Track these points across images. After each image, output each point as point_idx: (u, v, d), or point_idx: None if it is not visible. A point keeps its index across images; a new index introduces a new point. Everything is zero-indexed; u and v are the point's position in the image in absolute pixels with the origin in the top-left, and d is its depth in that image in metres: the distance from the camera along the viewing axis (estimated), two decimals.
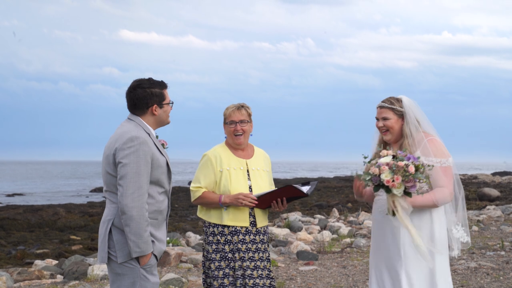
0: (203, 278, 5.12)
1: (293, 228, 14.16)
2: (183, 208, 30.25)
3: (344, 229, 13.92)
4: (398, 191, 4.14)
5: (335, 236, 13.41)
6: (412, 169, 4.10)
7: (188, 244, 12.21)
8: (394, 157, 4.18)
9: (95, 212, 24.50)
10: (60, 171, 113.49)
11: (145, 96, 3.96)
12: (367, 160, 4.30)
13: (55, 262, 10.90)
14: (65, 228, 20.03)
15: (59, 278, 9.25)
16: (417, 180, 4.14)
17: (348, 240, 12.43)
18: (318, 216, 17.66)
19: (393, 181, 4.09)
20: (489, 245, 11.63)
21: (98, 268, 9.14)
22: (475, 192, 33.60)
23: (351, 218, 16.73)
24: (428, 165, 4.25)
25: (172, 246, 11.21)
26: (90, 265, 9.50)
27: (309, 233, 13.59)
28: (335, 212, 18.32)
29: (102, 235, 3.93)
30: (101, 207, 30.06)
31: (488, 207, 21.46)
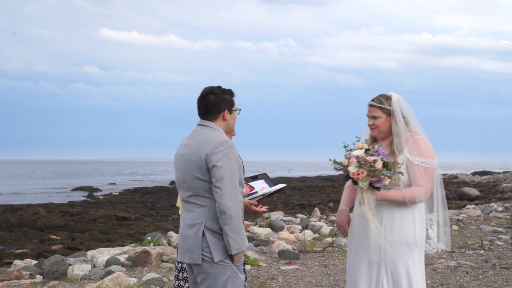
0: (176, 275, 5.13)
1: (275, 228, 14.16)
2: (164, 208, 30.14)
3: (326, 229, 13.95)
4: (363, 184, 4.29)
5: (316, 235, 13.44)
6: (379, 165, 4.22)
7: (169, 243, 12.16)
8: (367, 151, 4.29)
9: (75, 212, 24.32)
10: (40, 171, 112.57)
11: (218, 102, 4.21)
12: (348, 148, 4.43)
13: (34, 262, 10.81)
14: (45, 228, 19.87)
15: (39, 278, 9.18)
16: (383, 176, 4.24)
17: (329, 239, 12.46)
18: (300, 215, 17.68)
19: (358, 174, 4.24)
20: (468, 244, 11.72)
21: (78, 268, 9.09)
22: (455, 191, 33.86)
23: (333, 218, 16.76)
24: (399, 164, 4.32)
25: (154, 245, 11.17)
26: (70, 265, 9.43)
27: (291, 233, 13.59)
28: (317, 211, 18.35)
29: (193, 237, 4.10)
30: (82, 206, 29.83)
31: (467, 206, 21.62)
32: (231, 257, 4.11)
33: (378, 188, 4.32)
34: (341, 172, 4.36)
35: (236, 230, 4.02)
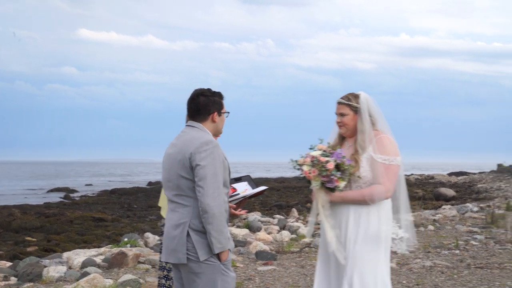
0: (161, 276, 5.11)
1: (252, 228, 14.16)
2: (141, 209, 29.98)
3: (303, 229, 13.98)
4: (315, 184, 4.41)
5: (294, 236, 13.46)
6: (331, 165, 4.33)
7: (146, 244, 12.10)
8: (324, 152, 4.41)
9: (51, 213, 24.10)
10: (16, 172, 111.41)
11: (207, 104, 4.27)
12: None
13: (9, 264, 10.68)
14: (20, 229, 19.65)
15: (13, 280, 9.07)
16: (334, 177, 4.33)
17: (307, 240, 12.49)
18: (278, 216, 17.70)
19: (310, 173, 4.37)
20: (444, 244, 11.82)
21: (53, 269, 9.01)
22: (432, 192, 34.13)
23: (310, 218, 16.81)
24: (352, 165, 4.39)
25: (130, 247, 11.11)
26: (45, 266, 9.34)
27: (268, 233, 13.60)
28: (294, 212, 18.39)
29: (178, 237, 4.13)
30: (58, 207, 29.56)
31: (444, 206, 21.81)
32: (217, 256, 4.14)
33: (332, 190, 4.42)
34: (299, 172, 4.48)
35: (219, 229, 4.05)
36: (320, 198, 4.48)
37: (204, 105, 4.26)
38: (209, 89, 4.33)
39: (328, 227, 4.51)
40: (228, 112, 4.41)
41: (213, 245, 4.06)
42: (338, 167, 4.37)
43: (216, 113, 4.30)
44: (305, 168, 4.41)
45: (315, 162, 4.38)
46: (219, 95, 4.34)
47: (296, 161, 4.49)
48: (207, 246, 4.10)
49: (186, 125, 4.33)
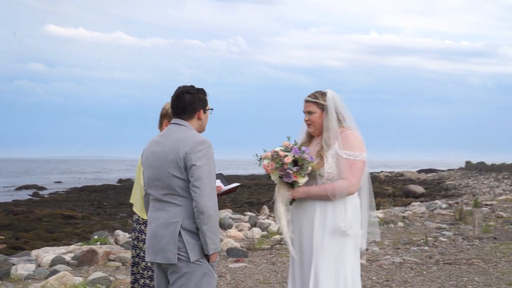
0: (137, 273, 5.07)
1: (224, 226, 14.15)
2: (112, 206, 29.79)
3: (274, 226, 14.01)
4: (274, 177, 4.50)
5: (265, 233, 13.49)
6: (288, 160, 4.40)
7: (116, 242, 12.02)
8: (287, 148, 4.48)
9: (20, 211, 23.83)
10: None
11: (193, 101, 4.21)
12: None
13: None
14: None
15: None
16: (291, 172, 4.40)
17: (277, 237, 12.52)
18: (249, 213, 17.72)
19: (268, 166, 4.46)
20: (413, 240, 11.95)
21: (22, 267, 8.90)
22: (401, 189, 34.48)
23: None
24: (310, 161, 4.43)
25: (100, 244, 11.03)
26: (13, 264, 9.22)
27: (239, 230, 13.61)
28: (265, 209, 18.42)
29: (168, 237, 4.06)
30: (27, 205, 29.21)
31: (413, 203, 22.07)
32: (206, 257, 4.11)
33: (292, 185, 4.47)
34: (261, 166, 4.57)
35: (214, 230, 4.02)
36: (281, 194, 4.52)
37: (190, 103, 4.20)
38: (193, 86, 4.27)
39: (284, 222, 4.55)
40: (212, 109, 4.37)
41: (207, 246, 4.02)
42: (296, 162, 4.42)
43: (201, 110, 4.25)
44: (264, 161, 4.49)
45: (274, 156, 4.45)
46: (203, 92, 4.29)
47: (259, 156, 4.56)
48: (198, 247, 4.05)
49: (171, 123, 4.25)
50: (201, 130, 4.31)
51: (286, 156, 4.41)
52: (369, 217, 4.74)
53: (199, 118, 4.25)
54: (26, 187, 50.74)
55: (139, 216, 5.13)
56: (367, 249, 10.20)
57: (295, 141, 4.64)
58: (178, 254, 4.05)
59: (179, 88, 4.27)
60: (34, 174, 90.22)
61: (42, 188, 49.31)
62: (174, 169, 4.07)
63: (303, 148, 4.48)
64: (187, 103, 4.21)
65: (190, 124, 4.22)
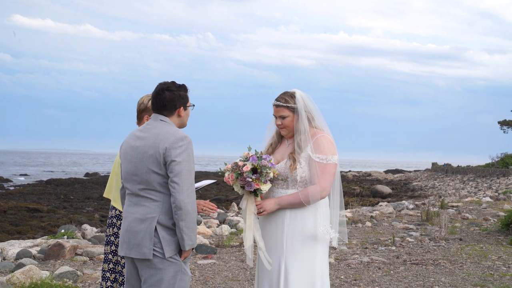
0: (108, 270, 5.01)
1: None
2: (78, 200, 29.49)
3: (243, 223, 14.02)
4: (236, 188, 4.51)
5: (233, 230, 13.49)
6: (247, 168, 4.41)
7: (84, 236, 11.90)
8: (246, 158, 4.49)
9: None
10: None
11: (173, 99, 4.18)
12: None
13: None
14: None
15: None
16: (250, 180, 4.40)
17: None
18: (217, 210, 17.70)
19: (229, 178, 4.47)
20: (381, 240, 12.06)
21: None
22: (369, 189, 34.77)
23: None
24: (269, 168, 4.42)
25: (67, 238, 10.90)
26: None
27: (208, 227, 13.58)
28: (234, 206, 18.44)
29: (143, 232, 4.03)
30: None
31: (380, 203, 22.28)
32: (180, 254, 4.09)
33: (255, 193, 4.46)
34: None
35: (191, 227, 3.99)
36: (250, 205, 4.50)
37: (170, 100, 4.16)
38: (173, 83, 4.22)
39: (248, 231, 4.56)
40: (193, 105, 4.34)
41: (184, 242, 3.99)
42: (255, 170, 4.41)
43: (182, 108, 4.22)
44: (226, 174, 4.49)
45: (234, 168, 4.46)
46: (184, 89, 4.25)
47: (222, 169, 4.58)
48: (173, 243, 4.03)
49: (151, 118, 4.21)
50: (181, 126, 4.28)
51: (244, 165, 4.41)
52: (339, 216, 4.74)
53: (179, 115, 4.22)
54: None
55: (120, 212, 5.03)
56: (335, 248, 10.26)
57: (255, 150, 4.61)
58: (154, 250, 4.02)
59: (160, 84, 4.22)
60: None
61: (7, 180, 48.60)
62: (153, 165, 4.04)
63: (264, 156, 4.46)
64: (167, 100, 4.17)
65: (171, 120, 4.19)
